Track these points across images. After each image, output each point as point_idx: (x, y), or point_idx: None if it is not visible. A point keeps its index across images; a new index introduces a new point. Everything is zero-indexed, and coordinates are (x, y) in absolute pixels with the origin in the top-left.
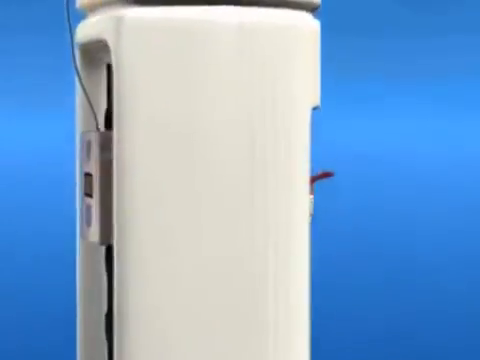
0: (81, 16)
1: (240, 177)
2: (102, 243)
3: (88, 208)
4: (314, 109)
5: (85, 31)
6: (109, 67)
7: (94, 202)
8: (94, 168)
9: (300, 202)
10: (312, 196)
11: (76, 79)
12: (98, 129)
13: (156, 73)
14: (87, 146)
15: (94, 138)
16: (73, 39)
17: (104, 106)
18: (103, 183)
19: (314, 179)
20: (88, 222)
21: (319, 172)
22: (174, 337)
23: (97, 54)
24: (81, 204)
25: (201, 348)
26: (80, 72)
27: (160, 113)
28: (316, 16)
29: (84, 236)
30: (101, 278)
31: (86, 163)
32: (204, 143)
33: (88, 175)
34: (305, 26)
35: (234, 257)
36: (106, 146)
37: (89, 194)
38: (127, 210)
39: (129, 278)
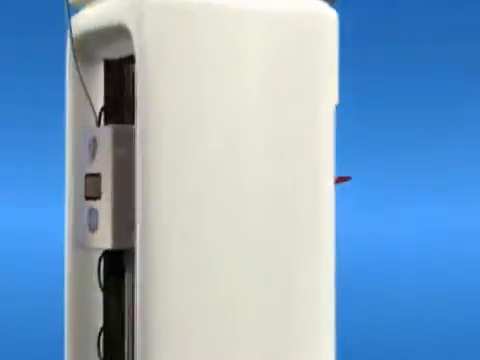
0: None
1: (266, 167)
2: (114, 247)
3: (92, 212)
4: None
5: (82, 23)
6: (107, 63)
7: (103, 204)
8: (105, 166)
9: (326, 197)
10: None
11: (67, 79)
12: (99, 124)
13: (181, 58)
14: (92, 144)
15: (105, 133)
16: (72, 34)
17: (100, 104)
18: (116, 182)
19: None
20: (93, 227)
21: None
22: (200, 337)
23: (94, 50)
24: (77, 210)
25: (227, 347)
26: (71, 69)
27: (187, 99)
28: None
29: (85, 243)
30: (92, 293)
31: (90, 163)
32: (234, 133)
33: (93, 176)
34: (327, 15)
35: (261, 255)
36: (120, 142)
37: (94, 197)
38: (153, 208)
39: (156, 280)
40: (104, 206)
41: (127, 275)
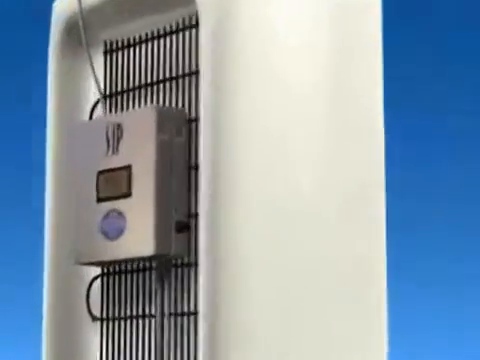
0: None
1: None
2: (157, 253)
3: (112, 215)
4: None
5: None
6: (109, 45)
7: (136, 202)
8: (141, 156)
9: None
10: None
11: (51, 69)
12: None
13: (250, 31)
14: (114, 132)
15: (143, 116)
16: (81, 11)
17: (92, 93)
18: (159, 173)
19: None
20: (114, 234)
21: None
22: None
23: (91, 30)
24: (79, 218)
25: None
26: (61, 58)
27: (262, 77)
28: None
29: (94, 256)
30: (80, 323)
31: (108, 157)
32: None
33: (114, 171)
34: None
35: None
36: (163, 126)
37: (117, 196)
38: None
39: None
40: (140, 204)
41: (158, 297)
